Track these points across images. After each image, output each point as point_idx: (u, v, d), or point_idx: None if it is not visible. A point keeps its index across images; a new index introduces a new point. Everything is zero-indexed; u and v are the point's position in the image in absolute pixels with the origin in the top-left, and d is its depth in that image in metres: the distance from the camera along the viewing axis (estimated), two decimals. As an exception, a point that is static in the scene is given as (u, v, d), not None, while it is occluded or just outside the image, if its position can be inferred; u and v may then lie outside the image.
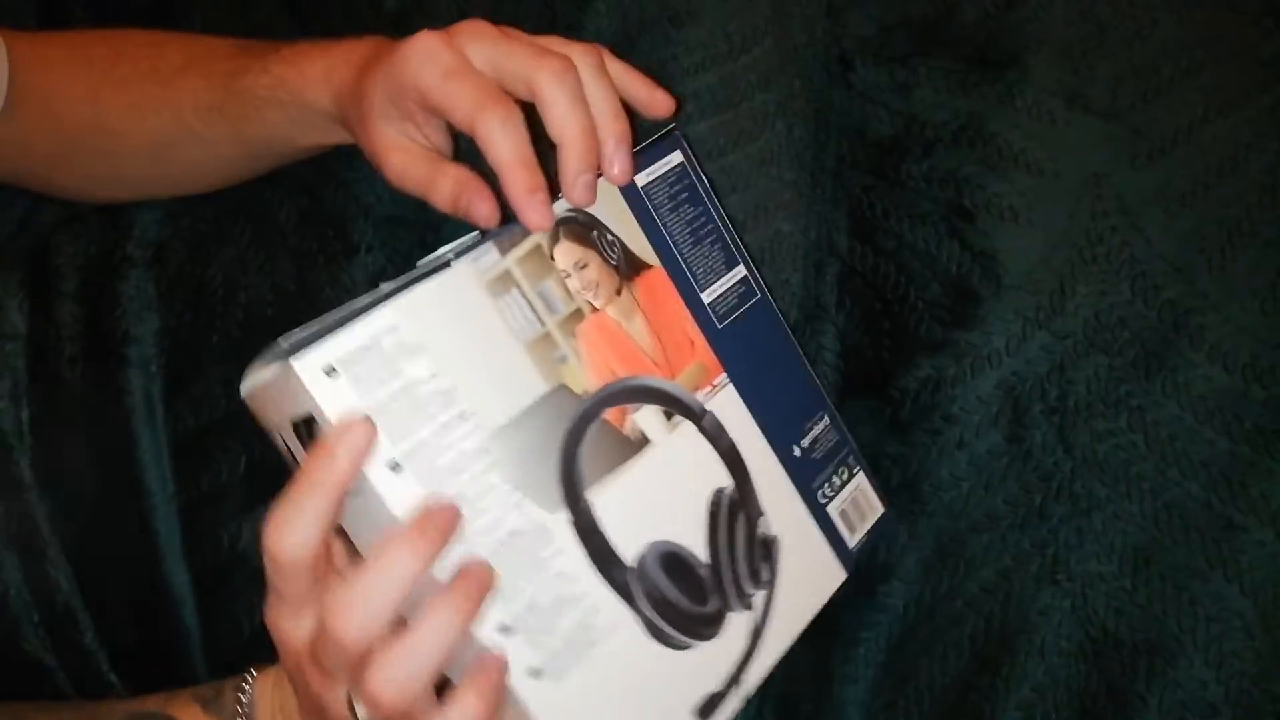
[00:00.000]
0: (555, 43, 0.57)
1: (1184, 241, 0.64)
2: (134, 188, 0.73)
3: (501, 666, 0.50)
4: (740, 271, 0.64)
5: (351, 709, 0.50)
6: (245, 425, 0.69)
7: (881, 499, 0.68)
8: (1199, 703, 0.61)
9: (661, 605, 0.56)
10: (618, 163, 0.56)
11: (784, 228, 0.71)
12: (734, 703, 0.59)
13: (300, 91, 0.63)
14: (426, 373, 0.50)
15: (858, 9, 0.71)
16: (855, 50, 0.70)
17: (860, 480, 0.67)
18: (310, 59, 0.63)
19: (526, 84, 0.54)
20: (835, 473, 0.66)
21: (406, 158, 0.58)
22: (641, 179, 0.60)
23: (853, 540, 0.66)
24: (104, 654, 0.71)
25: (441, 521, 0.48)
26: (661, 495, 0.58)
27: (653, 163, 0.61)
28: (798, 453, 0.64)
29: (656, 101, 0.59)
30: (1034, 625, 0.64)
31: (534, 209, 0.53)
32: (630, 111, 0.58)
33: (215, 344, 0.69)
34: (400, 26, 0.71)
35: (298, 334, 0.48)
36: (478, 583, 0.49)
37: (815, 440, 0.65)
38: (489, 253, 0.54)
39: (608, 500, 0.55)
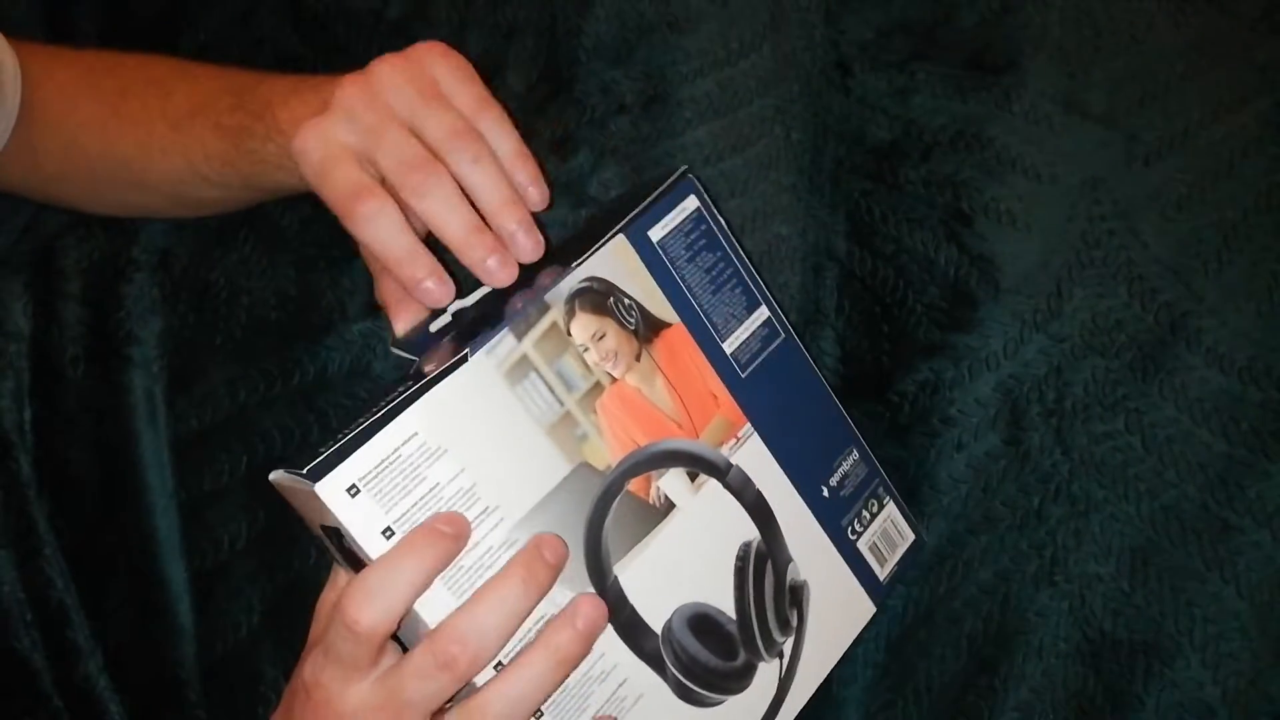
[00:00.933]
0: (436, 118, 0.56)
1: (1181, 245, 0.64)
2: (145, 212, 0.73)
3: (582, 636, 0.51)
4: (762, 314, 0.62)
5: None
6: (248, 427, 0.70)
7: (912, 526, 0.67)
8: (1196, 703, 0.61)
9: (690, 667, 0.57)
10: (525, 245, 0.56)
11: (782, 232, 0.71)
12: None
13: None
14: (449, 474, 0.50)
15: (855, 14, 0.71)
16: (853, 55, 0.71)
17: (890, 510, 0.66)
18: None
19: (400, 195, 0.55)
20: (865, 507, 0.65)
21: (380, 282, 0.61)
22: (656, 233, 0.59)
23: (883, 572, 0.65)
24: (96, 654, 0.71)
25: (553, 558, 0.50)
26: (688, 558, 0.58)
27: (667, 213, 0.59)
28: (826, 493, 0.63)
29: (529, 195, 0.58)
30: (1032, 626, 0.64)
31: (424, 295, 0.55)
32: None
33: (218, 345, 0.70)
34: (402, 34, 0.71)
35: (323, 450, 0.49)
36: (590, 612, 0.51)
37: (844, 476, 0.64)
38: (505, 339, 0.53)
39: (635, 573, 0.56)
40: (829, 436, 0.64)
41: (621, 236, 0.57)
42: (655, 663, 0.56)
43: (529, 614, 0.50)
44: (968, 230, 0.67)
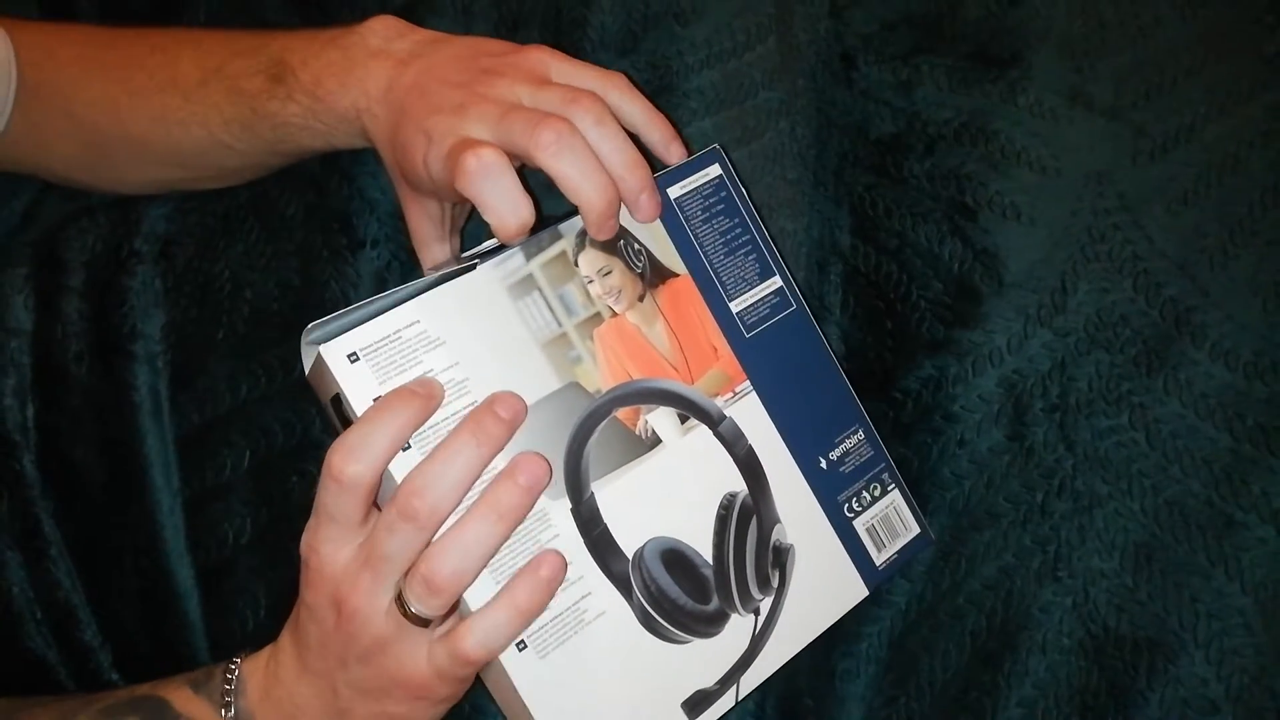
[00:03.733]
0: (557, 94, 0.58)
1: (1186, 239, 0.64)
2: (171, 186, 0.73)
3: (556, 564, 0.54)
4: (775, 283, 0.64)
5: (401, 608, 0.52)
6: (250, 421, 0.70)
7: (919, 520, 0.67)
8: (1200, 699, 0.61)
9: (657, 598, 0.58)
10: (642, 209, 0.58)
11: (787, 226, 0.71)
12: (725, 703, 0.60)
13: (329, 131, 0.64)
14: (444, 364, 0.54)
15: (860, 7, 0.71)
16: (858, 48, 0.71)
17: (895, 499, 0.66)
18: (333, 90, 0.62)
19: (528, 160, 0.56)
20: (866, 488, 0.65)
21: (421, 223, 0.64)
22: (675, 191, 0.62)
23: (880, 557, 0.65)
24: (106, 651, 0.72)
25: (506, 413, 0.53)
26: (670, 495, 0.59)
27: (687, 175, 0.62)
28: (824, 464, 0.64)
29: (670, 152, 0.62)
30: (1035, 622, 0.64)
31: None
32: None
33: (221, 340, 0.70)
34: (406, 20, 0.71)
35: (331, 322, 0.53)
36: (532, 466, 0.53)
37: (846, 453, 0.65)
38: (515, 257, 0.57)
39: (612, 495, 0.57)
40: (833, 411, 0.65)
41: None
42: (623, 585, 0.57)
43: (483, 465, 0.53)
44: (972, 224, 0.67)
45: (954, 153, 0.68)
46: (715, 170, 0.63)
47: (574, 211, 0.58)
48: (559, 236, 0.58)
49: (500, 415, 0.53)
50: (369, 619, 0.53)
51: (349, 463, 0.51)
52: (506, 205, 0.55)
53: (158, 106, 0.68)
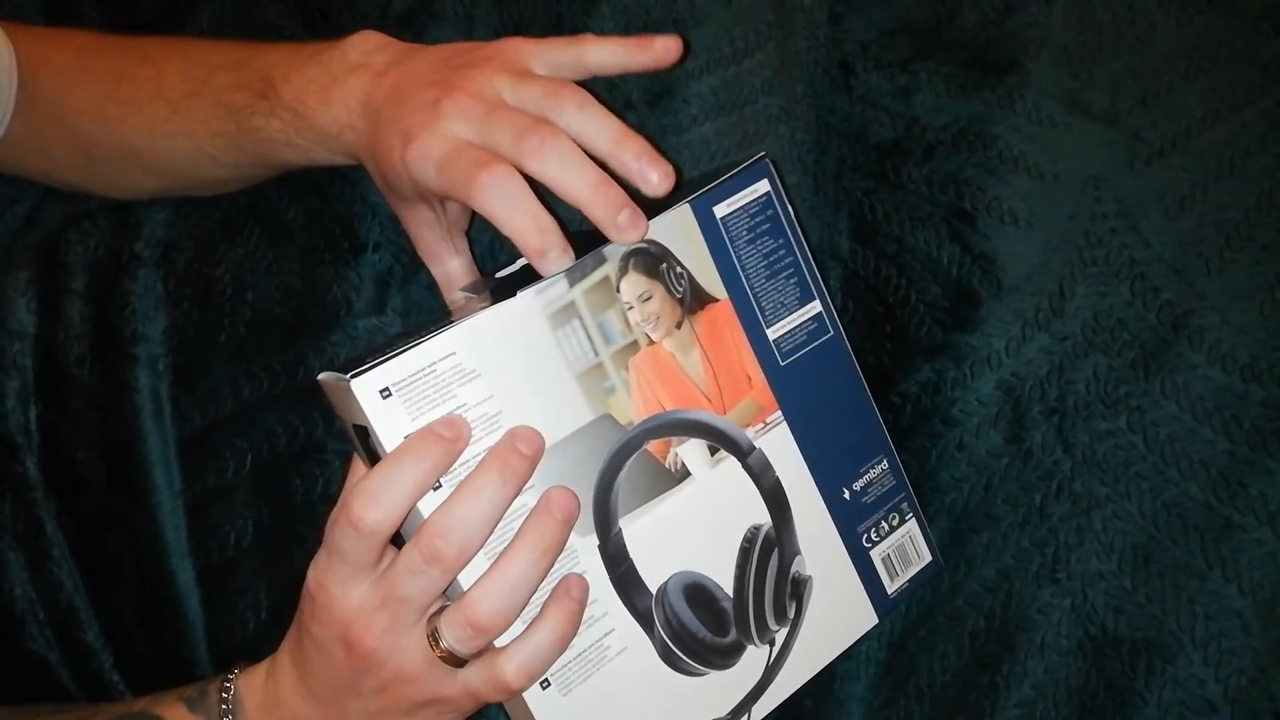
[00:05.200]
0: (539, 88, 0.57)
1: (1183, 243, 0.65)
2: (163, 193, 0.73)
3: (584, 587, 0.54)
4: (815, 307, 0.62)
5: (433, 642, 0.52)
6: (252, 423, 0.70)
7: (930, 548, 0.66)
8: (1197, 700, 0.62)
9: (679, 633, 0.58)
10: (652, 176, 0.55)
11: (786, 230, 0.71)
12: None
13: (311, 148, 0.63)
14: (479, 397, 0.53)
15: (859, 14, 0.72)
16: (856, 55, 0.71)
17: (911, 527, 0.66)
18: (314, 107, 0.62)
19: (518, 165, 0.55)
20: (885, 518, 0.65)
21: (420, 231, 0.63)
22: (721, 209, 0.59)
23: (892, 586, 0.65)
24: (108, 652, 0.72)
25: (523, 446, 0.52)
26: (695, 528, 0.59)
27: (736, 192, 0.60)
28: (847, 495, 0.63)
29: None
30: (1034, 623, 0.65)
31: (548, 265, 0.55)
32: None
33: (223, 343, 0.70)
34: (408, 28, 0.71)
35: (355, 359, 0.51)
36: (564, 502, 0.52)
37: (869, 483, 0.64)
38: (558, 284, 0.55)
39: (640, 530, 0.57)
40: (861, 441, 0.64)
41: (686, 206, 0.58)
42: (645, 621, 0.57)
43: (508, 504, 0.52)
44: (970, 229, 0.67)
45: (952, 158, 0.68)
46: (763, 186, 0.61)
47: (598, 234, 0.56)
48: (603, 260, 0.56)
49: (523, 452, 0.52)
50: (388, 657, 0.52)
51: (369, 509, 0.50)
52: (526, 220, 0.53)
53: (145, 118, 0.68)
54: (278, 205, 0.71)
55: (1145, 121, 0.66)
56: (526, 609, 0.53)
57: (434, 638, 0.51)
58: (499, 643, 0.53)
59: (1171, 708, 0.62)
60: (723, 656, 0.59)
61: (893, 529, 0.65)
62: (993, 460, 0.67)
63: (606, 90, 0.71)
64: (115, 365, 0.70)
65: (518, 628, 0.53)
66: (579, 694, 0.55)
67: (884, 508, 0.64)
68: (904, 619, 0.68)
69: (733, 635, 0.59)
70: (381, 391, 0.51)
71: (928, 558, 0.66)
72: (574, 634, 0.54)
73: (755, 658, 0.60)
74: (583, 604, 0.54)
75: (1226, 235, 0.64)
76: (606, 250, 0.56)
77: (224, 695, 0.57)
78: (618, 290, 0.57)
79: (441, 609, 0.52)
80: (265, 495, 0.69)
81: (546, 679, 0.55)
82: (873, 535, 0.64)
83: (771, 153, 0.70)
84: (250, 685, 0.58)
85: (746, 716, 0.60)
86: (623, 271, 0.57)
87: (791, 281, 0.61)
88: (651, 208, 0.57)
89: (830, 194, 0.71)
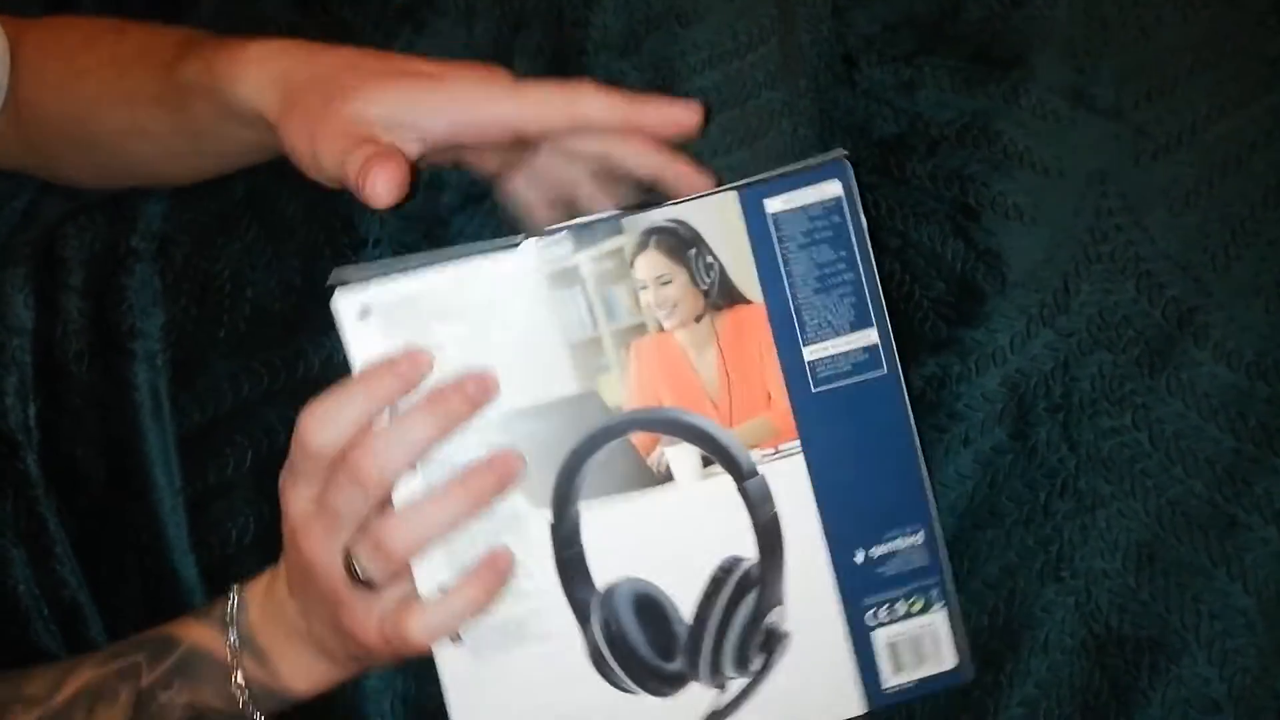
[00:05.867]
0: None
1: (1188, 240, 0.64)
2: (116, 178, 0.72)
3: (510, 563, 0.53)
4: (869, 336, 0.54)
5: (349, 567, 0.53)
6: (253, 419, 0.69)
7: (959, 653, 0.57)
8: (1202, 699, 0.61)
9: (615, 641, 0.54)
10: (676, 118, 0.55)
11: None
12: None
13: (228, 92, 0.60)
14: (456, 340, 0.51)
15: (862, 8, 0.71)
16: (860, 49, 0.71)
17: (937, 620, 0.57)
18: (248, 50, 0.60)
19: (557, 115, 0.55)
20: (904, 599, 0.56)
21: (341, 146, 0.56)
22: (775, 204, 0.53)
23: (892, 681, 0.57)
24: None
25: (472, 391, 0.52)
26: (665, 539, 0.55)
27: (797, 188, 0.53)
28: (860, 559, 0.56)
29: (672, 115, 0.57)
30: (1038, 621, 0.64)
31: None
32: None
33: (221, 338, 0.69)
34: (409, 20, 0.71)
35: (358, 270, 0.51)
36: (507, 466, 0.52)
37: (893, 554, 0.56)
38: (564, 242, 0.52)
39: (600, 519, 0.54)
40: (896, 504, 0.56)
41: (733, 194, 0.53)
42: (581, 615, 0.54)
43: (435, 439, 0.51)
44: (974, 224, 0.67)
45: (956, 154, 0.68)
46: (835, 188, 0.53)
47: (646, 205, 0.53)
48: (619, 231, 0.52)
49: (467, 393, 0.52)
50: (321, 567, 0.53)
51: (315, 432, 0.51)
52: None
53: (95, 84, 0.67)
54: (276, 200, 0.71)
55: (1151, 116, 0.66)
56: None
57: (349, 553, 0.52)
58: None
59: (1175, 707, 0.62)
60: (660, 682, 0.55)
61: (910, 614, 0.57)
62: (997, 457, 0.66)
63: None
64: (114, 361, 0.69)
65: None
66: (490, 661, 0.54)
67: (905, 587, 0.56)
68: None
69: (678, 665, 0.55)
70: (361, 310, 0.50)
71: (950, 662, 0.57)
72: (486, 606, 0.53)
73: (698, 697, 0.55)
74: (504, 579, 0.53)
75: (1232, 231, 0.64)
76: (625, 220, 0.52)
77: (229, 600, 0.59)
78: (631, 265, 0.52)
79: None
80: (266, 492, 0.68)
81: (458, 634, 0.53)
82: (881, 614, 0.57)
83: (774, 148, 0.70)
84: (254, 592, 0.59)
85: None
86: (641, 247, 0.52)
87: (846, 301, 0.54)
88: (706, 189, 0.54)
89: (833, 189, 0.71)
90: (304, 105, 0.56)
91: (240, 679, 0.58)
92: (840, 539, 0.56)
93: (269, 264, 0.70)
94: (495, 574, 0.53)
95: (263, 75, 0.58)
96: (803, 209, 0.53)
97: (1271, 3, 0.66)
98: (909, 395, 0.64)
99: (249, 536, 0.69)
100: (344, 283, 0.50)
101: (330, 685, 0.59)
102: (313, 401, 0.51)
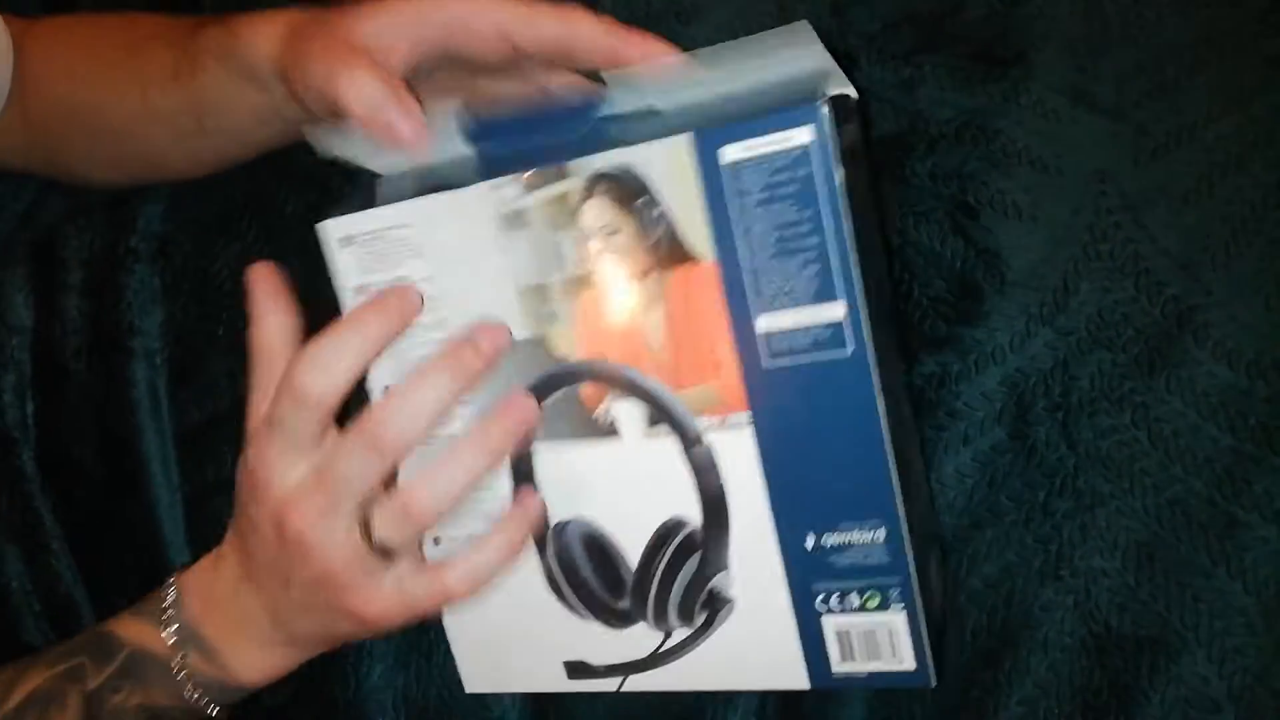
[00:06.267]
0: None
1: (1188, 238, 0.64)
2: (121, 169, 0.72)
3: (542, 507, 0.54)
4: (834, 311, 0.48)
5: (365, 534, 0.51)
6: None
7: (918, 658, 0.55)
8: (1201, 699, 0.61)
9: (568, 571, 0.56)
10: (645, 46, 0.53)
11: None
12: (604, 685, 0.57)
13: (244, 50, 0.61)
14: (421, 275, 0.52)
15: (862, 6, 0.71)
16: (860, 47, 0.70)
17: (894, 620, 0.54)
18: (266, 13, 0.61)
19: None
20: (858, 592, 0.54)
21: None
22: (733, 152, 0.47)
23: (841, 667, 0.55)
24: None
25: (486, 346, 0.51)
26: (610, 489, 0.54)
27: (759, 134, 0.46)
28: (810, 544, 0.53)
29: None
30: (1037, 621, 0.64)
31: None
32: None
33: (220, 337, 0.70)
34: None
35: (348, 197, 0.54)
36: (523, 410, 0.52)
37: (847, 545, 0.52)
38: (514, 185, 0.50)
39: (550, 460, 0.54)
40: (855, 495, 0.52)
41: (686, 137, 0.47)
42: (537, 542, 0.56)
43: (455, 397, 0.50)
44: (974, 223, 0.67)
45: (956, 152, 0.68)
46: (804, 135, 0.46)
47: (603, 147, 0.49)
48: (564, 175, 0.49)
49: (482, 348, 0.51)
50: (318, 544, 0.51)
51: (314, 377, 0.48)
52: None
53: (105, 67, 0.67)
54: (276, 199, 0.71)
55: (1151, 115, 0.65)
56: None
57: (366, 527, 0.51)
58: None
59: (1175, 706, 0.62)
60: (611, 615, 0.56)
61: (864, 609, 0.54)
62: (996, 456, 0.66)
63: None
64: (112, 359, 0.69)
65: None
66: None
67: (859, 581, 0.53)
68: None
69: (626, 603, 0.56)
70: (343, 239, 0.52)
71: (909, 665, 0.55)
72: (520, 551, 0.54)
73: (646, 635, 0.56)
74: (535, 521, 0.54)
75: (1233, 230, 0.64)
76: (571, 163, 0.48)
77: (164, 595, 0.57)
78: (577, 213, 0.49)
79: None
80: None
81: (439, 538, 0.55)
82: (830, 602, 0.54)
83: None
84: (192, 582, 0.57)
85: (622, 679, 0.57)
86: (587, 193, 0.49)
87: (810, 269, 0.48)
88: (657, 131, 0.48)
89: (833, 187, 0.71)
90: (301, 33, 0.57)
91: (187, 677, 0.56)
92: (789, 520, 0.53)
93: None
94: (526, 517, 0.54)
95: (275, 26, 0.59)
96: (765, 157, 0.47)
97: (1272, 2, 0.66)
98: (909, 395, 0.64)
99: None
100: (330, 213, 0.52)
101: (285, 672, 0.58)
102: (305, 347, 0.49)
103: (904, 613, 0.54)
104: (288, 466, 0.51)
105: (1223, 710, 0.61)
